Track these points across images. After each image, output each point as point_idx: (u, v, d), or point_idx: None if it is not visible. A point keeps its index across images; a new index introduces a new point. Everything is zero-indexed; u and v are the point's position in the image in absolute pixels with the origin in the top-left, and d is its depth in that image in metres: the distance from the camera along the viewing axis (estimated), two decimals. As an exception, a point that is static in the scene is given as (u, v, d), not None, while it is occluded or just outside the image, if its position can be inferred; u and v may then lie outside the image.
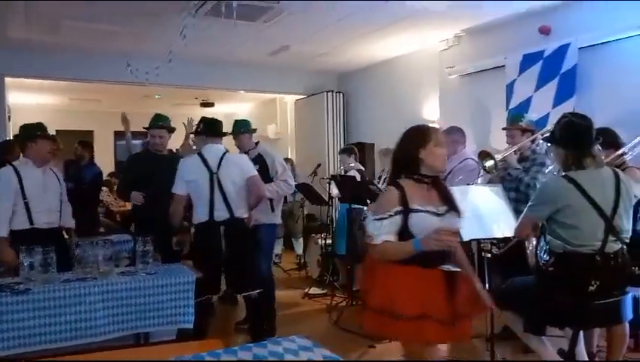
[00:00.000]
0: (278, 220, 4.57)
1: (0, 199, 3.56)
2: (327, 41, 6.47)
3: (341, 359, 1.87)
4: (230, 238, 3.56)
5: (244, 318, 4.47)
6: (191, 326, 3.27)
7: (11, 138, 6.30)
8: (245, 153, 4.30)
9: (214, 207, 3.56)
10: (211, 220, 3.56)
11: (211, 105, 10.46)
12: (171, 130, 4.38)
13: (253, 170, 3.79)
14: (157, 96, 9.69)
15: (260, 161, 4.24)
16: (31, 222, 3.63)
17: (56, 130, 9.19)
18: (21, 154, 3.91)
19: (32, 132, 3.78)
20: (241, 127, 4.42)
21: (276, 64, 7.65)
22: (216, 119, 3.91)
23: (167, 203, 4.00)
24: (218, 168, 3.60)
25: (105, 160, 11.15)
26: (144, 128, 4.34)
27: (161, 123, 4.29)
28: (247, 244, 3.71)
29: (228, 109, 11.50)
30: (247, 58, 7.29)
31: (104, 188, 8.70)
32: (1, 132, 6.53)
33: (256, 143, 4.48)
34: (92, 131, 11.49)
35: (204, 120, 3.87)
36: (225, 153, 3.70)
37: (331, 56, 7.27)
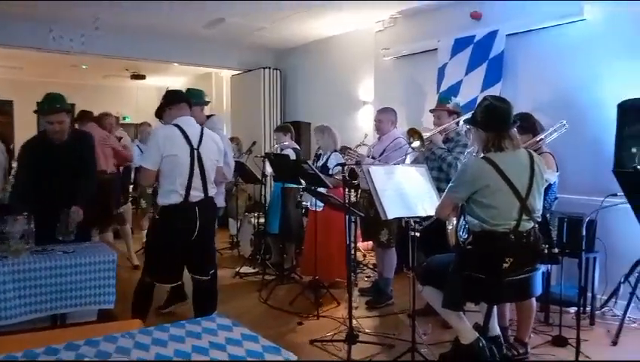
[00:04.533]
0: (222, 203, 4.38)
1: None
2: (264, 15, 6.33)
3: (260, 336, 1.86)
4: (204, 219, 3.34)
5: (165, 302, 4.33)
6: (112, 306, 3.17)
7: None
8: None
9: (191, 185, 3.27)
10: (186, 201, 3.25)
11: (142, 77, 10.00)
12: (69, 111, 3.63)
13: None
14: (84, 67, 9.15)
15: None
16: None
17: (-30, 99, 8.58)
18: None
19: None
20: (194, 99, 3.97)
21: (211, 37, 7.43)
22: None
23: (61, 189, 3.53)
24: (199, 144, 3.31)
25: (26, 132, 10.50)
26: (34, 112, 3.67)
27: (58, 105, 3.47)
28: (215, 225, 3.58)
29: (160, 82, 11.03)
30: (180, 29, 7.03)
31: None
32: None
33: (208, 116, 4.18)
34: (11, 101, 10.75)
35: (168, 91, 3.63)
36: (202, 128, 3.44)
37: (268, 31, 7.13)
